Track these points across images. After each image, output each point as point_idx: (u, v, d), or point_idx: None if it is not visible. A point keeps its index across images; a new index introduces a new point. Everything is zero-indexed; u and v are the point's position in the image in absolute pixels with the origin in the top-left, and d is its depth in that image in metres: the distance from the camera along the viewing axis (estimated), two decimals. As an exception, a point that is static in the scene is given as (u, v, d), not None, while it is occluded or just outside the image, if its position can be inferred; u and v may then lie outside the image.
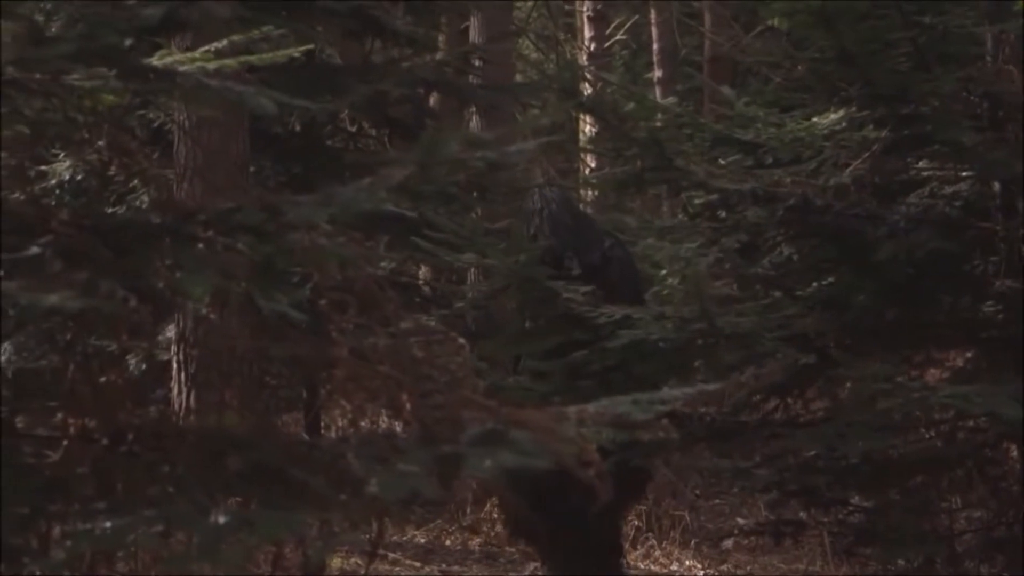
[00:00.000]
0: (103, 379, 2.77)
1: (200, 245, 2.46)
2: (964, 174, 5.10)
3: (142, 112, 7.31)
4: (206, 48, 3.04)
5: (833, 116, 5.08)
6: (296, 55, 5.55)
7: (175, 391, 6.18)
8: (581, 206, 12.09)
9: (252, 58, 2.97)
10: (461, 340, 2.63)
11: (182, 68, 2.68)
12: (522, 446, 2.30)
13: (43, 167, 6.85)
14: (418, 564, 6.65)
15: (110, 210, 6.51)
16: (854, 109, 5.00)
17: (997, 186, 4.97)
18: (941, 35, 4.80)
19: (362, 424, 2.78)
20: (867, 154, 4.99)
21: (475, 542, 7.14)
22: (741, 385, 3.80)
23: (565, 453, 2.34)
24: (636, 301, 4.99)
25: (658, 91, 11.98)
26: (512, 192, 7.58)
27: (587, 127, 11.55)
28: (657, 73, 12.64)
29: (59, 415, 2.72)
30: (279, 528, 2.25)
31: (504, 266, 4.93)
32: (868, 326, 5.00)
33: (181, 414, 5.57)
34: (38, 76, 2.66)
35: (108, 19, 2.34)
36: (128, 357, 5.75)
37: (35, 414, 2.91)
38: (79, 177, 7.15)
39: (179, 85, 2.51)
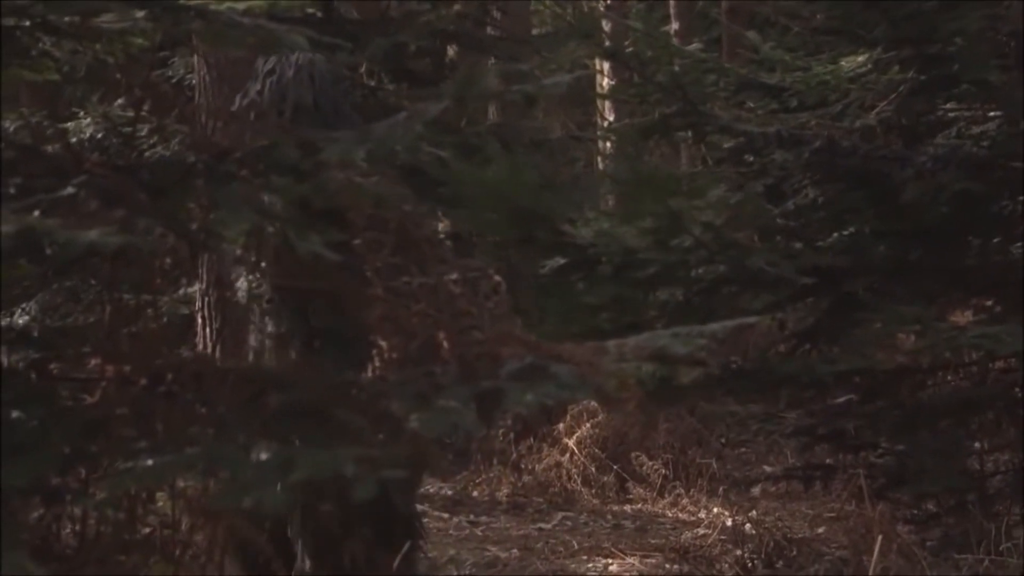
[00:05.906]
0: (139, 325, 2.76)
1: (234, 184, 2.44)
2: (991, 114, 5.06)
3: (159, 71, 7.29)
4: (233, -10, 3.03)
5: (858, 59, 5.04)
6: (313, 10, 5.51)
7: (200, 345, 6.18)
8: (598, 159, 12.04)
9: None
10: (497, 277, 2.61)
11: (212, 7, 2.67)
12: (563, 379, 2.28)
13: (65, 125, 6.84)
14: (446, 515, 6.65)
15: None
16: (880, 51, 4.96)
17: (1024, 125, 4.94)
18: (967, -28, 4.76)
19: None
20: (893, 95, 4.95)
21: (502, 493, 7.14)
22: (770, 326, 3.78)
23: (607, 386, 2.33)
24: None
25: (675, 43, 11.91)
26: (533, 144, 7.56)
27: (605, 80, 11.49)
28: (674, 26, 12.58)
29: (94, 361, 2.71)
30: (321, 466, 2.23)
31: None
32: (895, 269, 4.96)
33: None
34: (67, 19, 2.65)
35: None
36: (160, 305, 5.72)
37: (70, 361, 2.91)
38: (100, 135, 7.15)
39: (211, 24, 2.48)
